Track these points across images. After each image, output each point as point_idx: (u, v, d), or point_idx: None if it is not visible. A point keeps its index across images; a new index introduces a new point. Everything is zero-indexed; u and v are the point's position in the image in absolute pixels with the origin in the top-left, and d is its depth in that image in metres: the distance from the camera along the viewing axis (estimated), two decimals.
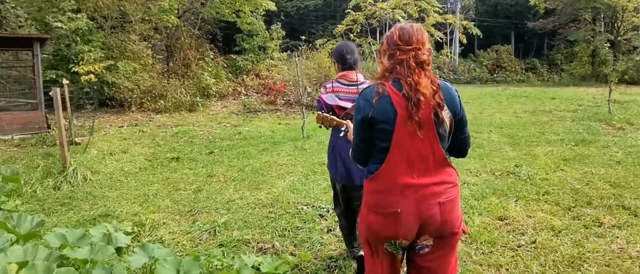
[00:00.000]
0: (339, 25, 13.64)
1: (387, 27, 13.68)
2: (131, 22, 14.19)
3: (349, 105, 2.60)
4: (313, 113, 12.11)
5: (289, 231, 3.50)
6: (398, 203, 1.63)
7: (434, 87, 1.63)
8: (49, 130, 9.21)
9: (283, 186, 4.78)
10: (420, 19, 13.60)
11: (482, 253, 3.03)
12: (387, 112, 1.62)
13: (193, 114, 12.02)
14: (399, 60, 1.67)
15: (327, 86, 2.77)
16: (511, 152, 6.35)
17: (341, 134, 2.41)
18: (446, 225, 1.68)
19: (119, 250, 3.12)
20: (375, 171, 1.67)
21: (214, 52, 17.26)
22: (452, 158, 1.78)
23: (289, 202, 4.20)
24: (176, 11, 15.04)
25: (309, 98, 13.72)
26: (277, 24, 19.90)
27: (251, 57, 18.22)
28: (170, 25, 15.24)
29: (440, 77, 19.37)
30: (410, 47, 1.67)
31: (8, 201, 4.27)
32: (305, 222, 3.67)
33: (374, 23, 13.59)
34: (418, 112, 1.59)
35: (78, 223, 3.97)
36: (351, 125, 2.19)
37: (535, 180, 4.79)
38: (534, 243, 3.17)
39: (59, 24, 11.98)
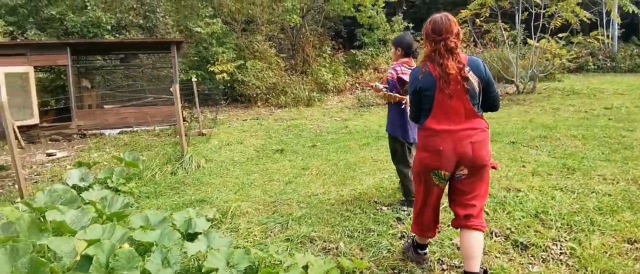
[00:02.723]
0: (462, 11, 12.52)
1: (520, 9, 12.10)
2: (258, 24, 15.29)
3: None
4: None
5: (359, 232, 3.26)
6: (440, 143, 2.30)
7: (460, 66, 2.28)
8: (185, 122, 10.46)
9: (369, 184, 4.52)
10: None
11: None
12: (429, 83, 2.32)
13: (309, 108, 12.39)
14: (434, 48, 2.31)
15: (397, 68, 3.52)
16: None
17: (402, 107, 3.38)
18: (477, 159, 2.30)
19: (193, 235, 3.28)
20: (424, 123, 2.38)
21: (332, 48, 17.51)
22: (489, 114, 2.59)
23: (369, 201, 3.94)
24: (299, 11, 15.68)
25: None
26: (399, 15, 19.34)
27: (371, 51, 18.05)
28: (294, 25, 15.98)
29: (593, 65, 16.41)
30: (440, 37, 2.29)
31: (127, 183, 4.89)
32: (379, 224, 3.38)
33: (505, 5, 12.12)
34: (448, 86, 2.27)
35: (177, 206, 4.33)
36: (408, 98, 2.84)
37: None
38: None
39: (198, 29, 13.53)
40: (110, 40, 11.81)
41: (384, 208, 3.74)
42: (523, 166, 4.82)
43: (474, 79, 2.28)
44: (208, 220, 3.60)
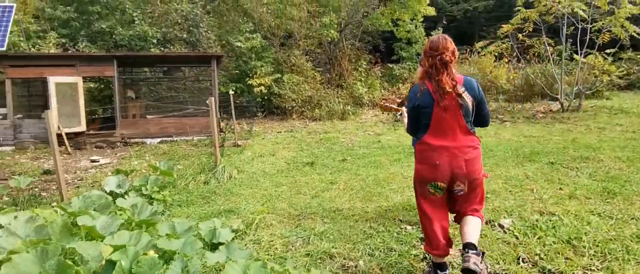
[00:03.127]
0: (504, 25, 12.19)
1: (565, 23, 11.61)
2: (296, 39, 15.57)
3: None
4: None
5: (380, 251, 3.21)
6: (437, 158, 2.49)
7: (454, 82, 2.45)
8: (221, 133, 10.75)
9: (396, 201, 4.45)
10: (610, 13, 11.11)
11: None
12: (427, 101, 2.48)
13: (343, 122, 12.40)
14: (431, 63, 2.49)
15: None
16: None
17: (398, 117, 3.29)
18: (470, 174, 2.50)
19: (216, 245, 3.35)
20: (421, 137, 2.56)
21: (369, 62, 17.51)
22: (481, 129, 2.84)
23: (394, 219, 3.87)
24: (336, 26, 15.83)
25: None
26: (438, 30, 19.10)
27: (408, 65, 17.90)
28: (331, 39, 16.14)
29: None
30: (437, 52, 2.47)
31: (161, 191, 5.07)
32: (401, 244, 3.31)
33: (550, 20, 11.67)
34: (443, 100, 2.43)
35: (206, 215, 4.44)
36: (405, 110, 3.08)
37: None
38: None
39: (239, 44, 13.95)
40: (154, 54, 12.39)
41: (408, 227, 3.67)
42: (560, 189, 4.59)
43: (468, 98, 2.47)
44: (232, 231, 3.67)
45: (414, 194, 4.65)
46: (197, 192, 5.45)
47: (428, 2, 16.05)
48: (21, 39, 12.95)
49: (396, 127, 10.85)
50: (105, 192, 4.79)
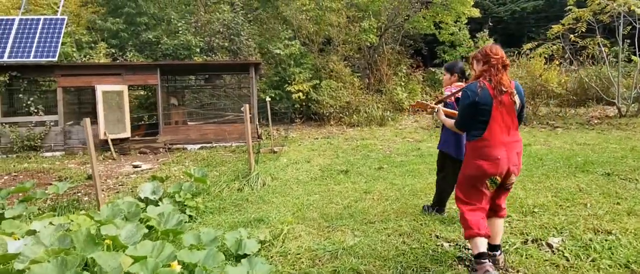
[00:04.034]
0: (554, 26, 11.48)
1: (622, 22, 10.73)
2: (335, 44, 15.48)
3: None
4: None
5: (413, 270, 2.98)
6: (498, 153, 2.67)
7: (510, 83, 2.72)
8: (260, 139, 10.80)
9: (433, 215, 4.18)
10: None
11: None
12: (486, 98, 2.66)
13: (382, 128, 12.13)
14: (492, 64, 2.72)
15: (453, 90, 3.74)
16: None
17: (434, 114, 3.52)
18: (520, 165, 2.79)
19: (242, 256, 3.25)
20: (480, 135, 2.72)
21: (410, 66, 17.10)
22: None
23: (430, 235, 3.62)
24: (375, 30, 15.60)
25: None
26: (484, 32, 18.38)
27: None
28: (371, 44, 15.92)
29: None
30: (498, 56, 2.73)
31: (194, 198, 5.07)
32: (437, 263, 3.07)
33: (605, 19, 10.86)
34: (501, 97, 2.66)
35: (236, 224, 4.37)
36: (442, 108, 3.41)
37: None
38: None
39: (278, 51, 14.05)
40: (195, 62, 12.72)
41: (445, 244, 3.41)
42: (617, 203, 4.14)
43: (517, 100, 2.76)
44: (259, 242, 3.57)
45: (454, 207, 4.41)
46: (230, 199, 5.42)
47: (472, 3, 15.47)
48: (74, 49, 13.72)
49: (437, 134, 10.43)
50: (140, 198, 4.86)
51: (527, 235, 3.50)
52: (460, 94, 3.64)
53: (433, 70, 17.58)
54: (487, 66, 2.72)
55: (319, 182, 6.12)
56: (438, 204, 4.21)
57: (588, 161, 6.15)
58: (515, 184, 5.16)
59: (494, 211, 2.89)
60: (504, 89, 2.66)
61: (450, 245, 3.37)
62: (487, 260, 2.67)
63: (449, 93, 3.69)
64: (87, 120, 4.57)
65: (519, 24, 24.85)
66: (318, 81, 14.26)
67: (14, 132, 9.46)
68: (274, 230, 3.96)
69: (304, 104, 14.13)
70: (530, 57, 13.05)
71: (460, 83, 3.89)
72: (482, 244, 2.70)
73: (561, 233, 3.52)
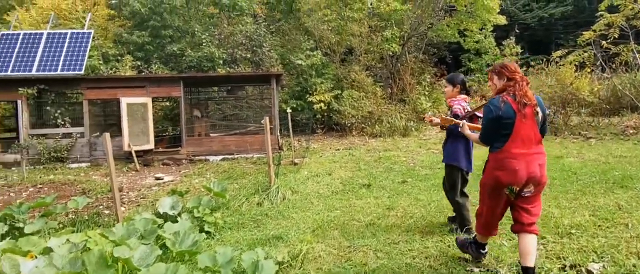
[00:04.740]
0: (585, 32, 11.03)
1: None
2: (357, 54, 15.35)
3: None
4: None
5: None
6: (516, 164, 2.77)
7: (533, 96, 2.86)
8: (281, 151, 10.72)
9: (462, 234, 3.94)
10: None
11: None
12: (509, 112, 2.78)
13: (405, 139, 11.86)
14: (516, 80, 2.86)
15: (463, 104, 3.86)
16: None
17: (459, 129, 3.45)
18: (542, 178, 2.84)
19: None
20: (502, 146, 2.82)
21: (434, 75, 16.79)
22: None
23: (458, 259, 3.40)
24: (398, 39, 15.40)
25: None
26: (510, 39, 17.91)
27: (478, 77, 16.92)
28: (393, 53, 15.72)
29: None
30: (518, 72, 2.91)
31: (213, 213, 4.98)
32: None
33: (639, 24, 10.35)
34: (524, 110, 2.78)
35: (254, 242, 4.25)
36: (466, 123, 3.42)
37: None
38: None
39: (300, 61, 14.02)
40: (217, 75, 12.81)
41: (474, 269, 3.18)
42: None
43: (539, 112, 2.86)
44: (277, 263, 3.43)
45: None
46: (249, 214, 5.31)
47: (498, 10, 15.10)
48: (100, 62, 14.04)
49: None
50: (159, 213, 4.80)
51: (565, 260, 3.24)
52: (465, 107, 3.83)
53: None
54: (512, 82, 2.86)
55: (340, 197, 5.95)
56: (464, 225, 3.96)
57: (626, 176, 5.78)
58: (549, 201, 4.87)
59: (522, 224, 2.89)
60: (527, 102, 2.78)
61: (480, 271, 3.14)
62: (485, 252, 3.22)
63: (460, 107, 3.78)
64: (107, 134, 4.56)
65: (547, 31, 24.17)
66: (340, 91, 14.14)
67: (42, 143, 9.69)
68: (293, 249, 3.81)
69: (325, 114, 14.02)
70: (560, 65, 12.57)
71: (463, 95, 3.95)
72: (482, 239, 3.17)
73: (602, 257, 3.25)
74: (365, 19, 15.44)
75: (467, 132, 3.34)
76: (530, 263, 2.80)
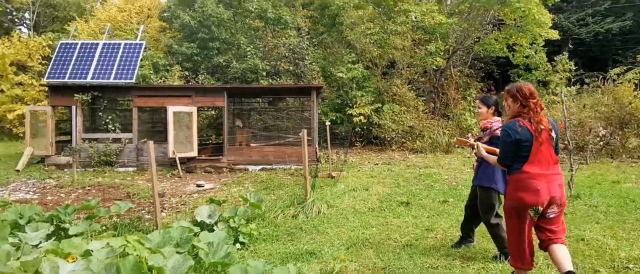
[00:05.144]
0: None
1: None
2: (399, 68, 15.16)
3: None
4: (585, 163, 9.44)
5: None
6: (538, 184, 2.87)
7: (547, 122, 2.99)
8: (319, 163, 10.69)
9: (507, 263, 3.69)
10: None
11: None
12: (527, 135, 2.89)
13: (447, 155, 11.50)
14: (531, 108, 2.94)
15: (496, 124, 3.82)
16: None
17: (474, 152, 3.55)
18: (563, 197, 2.99)
19: None
20: (521, 168, 2.91)
21: (480, 90, 16.25)
22: None
23: None
24: (442, 53, 15.08)
25: (600, 142, 10.86)
26: (563, 55, 17.05)
27: None
28: (437, 67, 15.39)
29: None
30: (534, 98, 2.97)
31: (248, 224, 4.99)
32: None
33: None
34: (540, 136, 2.89)
35: (287, 255, 4.20)
36: (481, 145, 3.43)
37: None
38: None
39: (341, 74, 14.02)
40: (258, 86, 13.07)
41: None
42: None
43: (554, 135, 2.98)
44: None
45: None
46: (284, 226, 5.27)
47: (550, 24, 14.44)
48: (151, 71, 14.70)
49: None
50: (196, 221, 4.87)
51: None
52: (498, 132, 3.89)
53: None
54: (526, 109, 2.94)
55: (377, 214, 5.80)
56: (503, 246, 3.76)
57: None
58: (604, 231, 4.50)
59: (549, 239, 2.98)
60: (543, 128, 2.88)
61: None
62: None
63: (489, 130, 3.80)
64: (151, 142, 4.69)
65: (603, 47, 22.84)
66: (380, 105, 13.98)
67: (93, 147, 10.20)
68: (325, 267, 3.73)
69: (365, 127, 13.89)
70: (618, 83, 11.81)
71: (498, 117, 3.98)
72: (521, 273, 3.11)
73: None
74: (408, 32, 15.25)
75: (483, 154, 3.35)
76: (568, 266, 2.84)
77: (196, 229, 4.28)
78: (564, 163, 7.77)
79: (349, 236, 4.79)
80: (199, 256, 3.20)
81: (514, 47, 15.98)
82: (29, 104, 15.91)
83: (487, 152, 3.37)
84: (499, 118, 3.96)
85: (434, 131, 12.95)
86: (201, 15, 16.47)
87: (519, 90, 2.98)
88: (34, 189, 7.93)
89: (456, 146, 3.57)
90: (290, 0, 20.32)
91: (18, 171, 9.60)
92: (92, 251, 3.27)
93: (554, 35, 14.71)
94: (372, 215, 5.76)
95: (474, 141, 3.59)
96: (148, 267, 2.74)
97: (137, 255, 2.85)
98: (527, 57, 15.84)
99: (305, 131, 6.46)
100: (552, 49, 16.66)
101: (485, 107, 3.99)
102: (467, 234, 4.29)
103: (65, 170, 9.99)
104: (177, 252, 3.38)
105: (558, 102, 14.20)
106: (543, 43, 15.53)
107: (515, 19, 14.97)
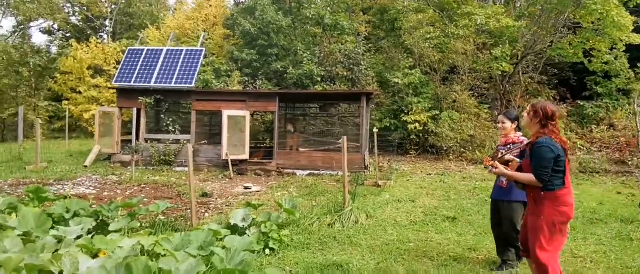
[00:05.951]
0: None
1: None
2: (460, 73, 14.44)
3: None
4: None
5: None
6: (572, 199, 3.09)
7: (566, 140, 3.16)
8: (366, 171, 10.45)
9: None
10: None
11: None
12: (562, 151, 3.04)
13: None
14: (554, 124, 3.11)
15: (524, 139, 3.85)
16: None
17: (492, 171, 3.55)
18: None
19: None
20: (562, 184, 3.03)
21: (552, 99, 15.01)
22: None
23: None
24: (509, 58, 14.14)
25: None
26: None
27: (605, 103, 14.69)
28: (503, 73, 14.47)
29: None
30: (554, 121, 3.12)
31: (281, 230, 4.94)
32: None
33: None
34: (567, 152, 3.11)
35: (313, 266, 4.08)
36: (499, 164, 3.40)
37: None
38: None
39: (397, 80, 13.66)
40: (308, 92, 13.14)
41: None
42: None
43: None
44: None
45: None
46: (318, 234, 5.16)
47: (632, 28, 12.98)
48: (213, 77, 15.35)
49: (580, 181, 8.76)
50: (230, 225, 4.91)
51: None
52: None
53: (582, 103, 15.11)
54: (552, 126, 3.05)
55: (418, 228, 5.49)
56: (506, 259, 3.91)
57: None
58: None
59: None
60: (567, 143, 3.08)
61: None
62: None
63: (516, 145, 3.76)
64: (190, 145, 4.83)
65: None
66: (438, 112, 13.38)
67: (154, 147, 10.81)
68: None
69: (421, 135, 13.36)
70: None
71: (520, 132, 4.05)
72: None
73: None
74: (471, 36, 14.48)
75: (509, 173, 3.26)
76: None
77: (226, 232, 4.30)
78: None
79: (383, 250, 4.57)
80: (212, 261, 3.18)
81: (591, 52, 14.57)
82: (103, 105, 17.36)
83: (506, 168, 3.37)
84: (520, 133, 4.02)
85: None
86: (261, 22, 16.93)
87: (543, 108, 3.09)
88: (96, 184, 8.55)
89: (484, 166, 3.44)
90: (351, 5, 20.26)
91: (86, 166, 10.45)
92: (120, 248, 3.39)
93: (637, 39, 13.16)
94: (412, 229, 5.46)
95: (499, 159, 3.51)
96: (159, 269, 2.76)
97: (148, 258, 2.88)
98: (606, 63, 14.34)
99: (345, 137, 6.31)
100: (635, 54, 14.90)
101: (509, 121, 4.06)
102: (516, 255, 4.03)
103: (129, 168, 10.69)
104: (200, 255, 3.40)
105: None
106: (624, 48, 13.99)
107: (592, 22, 13.63)
